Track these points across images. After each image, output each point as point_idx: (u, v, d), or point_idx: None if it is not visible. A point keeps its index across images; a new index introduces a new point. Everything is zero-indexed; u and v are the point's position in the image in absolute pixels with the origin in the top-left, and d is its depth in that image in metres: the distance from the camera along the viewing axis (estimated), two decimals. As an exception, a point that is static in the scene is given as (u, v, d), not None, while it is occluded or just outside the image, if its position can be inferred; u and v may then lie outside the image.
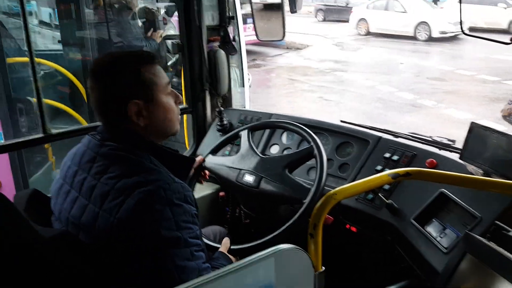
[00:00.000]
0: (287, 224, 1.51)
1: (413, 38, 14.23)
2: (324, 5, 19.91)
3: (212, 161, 1.88)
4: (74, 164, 1.24)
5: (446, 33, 13.73)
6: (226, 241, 1.57)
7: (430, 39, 13.85)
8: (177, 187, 1.13)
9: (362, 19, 15.85)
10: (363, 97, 8.27)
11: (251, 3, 2.22)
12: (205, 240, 1.60)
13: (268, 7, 2.21)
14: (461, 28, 1.50)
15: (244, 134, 1.88)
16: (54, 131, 2.02)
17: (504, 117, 4.47)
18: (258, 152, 1.79)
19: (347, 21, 17.96)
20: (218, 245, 1.58)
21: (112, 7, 3.52)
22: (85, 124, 1.86)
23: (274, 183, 1.67)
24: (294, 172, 1.72)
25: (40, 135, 1.98)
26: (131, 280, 1.09)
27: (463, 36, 12.80)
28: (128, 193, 1.09)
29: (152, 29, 3.67)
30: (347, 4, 18.93)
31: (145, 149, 1.21)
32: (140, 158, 1.17)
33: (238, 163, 1.79)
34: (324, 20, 19.65)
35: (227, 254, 1.51)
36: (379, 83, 9.03)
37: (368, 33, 15.57)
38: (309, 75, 10.35)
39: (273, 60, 12.37)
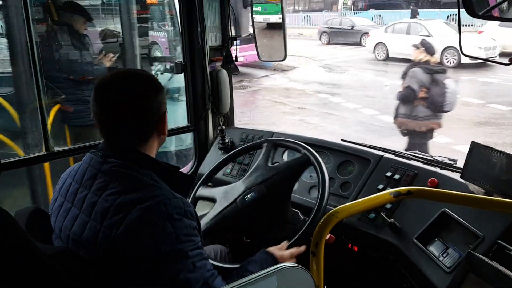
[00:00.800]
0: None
1: (440, 64, 12.78)
2: (328, 27, 19.23)
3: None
4: (76, 182, 1.25)
5: (476, 59, 11.74)
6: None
7: (460, 66, 12.37)
8: (178, 202, 1.13)
9: (381, 43, 14.60)
10: (344, 120, 8.14)
11: (253, 23, 2.26)
12: None
13: (270, 27, 2.25)
14: (460, 50, 1.52)
15: (202, 192, 1.87)
16: (56, 149, 2.03)
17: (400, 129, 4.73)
18: (235, 180, 1.79)
19: (354, 44, 17.36)
20: (218, 264, 1.57)
21: (60, 29, 3.42)
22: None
23: (276, 175, 1.71)
24: (295, 190, 1.74)
25: (43, 152, 1.99)
26: None
27: (490, 64, 12.18)
28: (129, 209, 1.09)
29: (104, 52, 3.62)
30: (353, 27, 18.33)
31: (147, 166, 1.21)
32: (141, 175, 1.18)
33: (225, 200, 1.76)
34: (329, 43, 18.93)
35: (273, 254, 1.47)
36: (362, 106, 8.93)
37: (387, 58, 14.35)
38: (293, 97, 10.28)
39: (259, 81, 12.28)
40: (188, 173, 2.48)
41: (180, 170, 1.30)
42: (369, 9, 25.38)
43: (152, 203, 1.09)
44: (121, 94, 1.20)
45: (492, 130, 7.31)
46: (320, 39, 19.54)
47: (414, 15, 19.95)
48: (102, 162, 1.21)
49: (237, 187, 1.77)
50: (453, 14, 19.26)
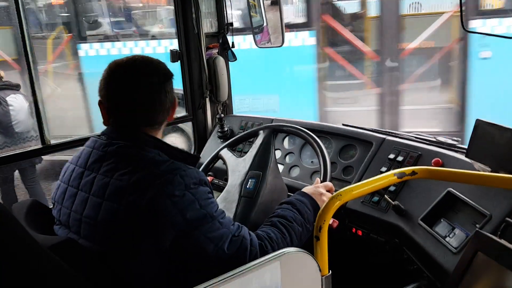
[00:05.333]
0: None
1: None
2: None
3: None
4: (79, 166, 1.24)
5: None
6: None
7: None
8: (193, 172, 1.18)
9: None
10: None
11: (249, 6, 2.21)
12: None
13: (272, 3, 2.18)
14: (462, 24, 1.48)
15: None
16: (53, 142, 2.00)
17: None
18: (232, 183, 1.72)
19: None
20: None
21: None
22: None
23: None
24: (297, 176, 1.69)
25: (39, 146, 1.96)
26: (166, 270, 1.14)
27: None
28: (147, 185, 1.11)
29: None
30: None
31: (152, 146, 1.23)
32: (149, 154, 1.20)
33: (226, 202, 1.66)
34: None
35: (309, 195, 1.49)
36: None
37: None
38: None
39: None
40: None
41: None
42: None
43: (171, 176, 1.13)
44: (139, 82, 1.22)
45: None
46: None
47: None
48: (107, 144, 1.21)
49: (234, 193, 1.67)
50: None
